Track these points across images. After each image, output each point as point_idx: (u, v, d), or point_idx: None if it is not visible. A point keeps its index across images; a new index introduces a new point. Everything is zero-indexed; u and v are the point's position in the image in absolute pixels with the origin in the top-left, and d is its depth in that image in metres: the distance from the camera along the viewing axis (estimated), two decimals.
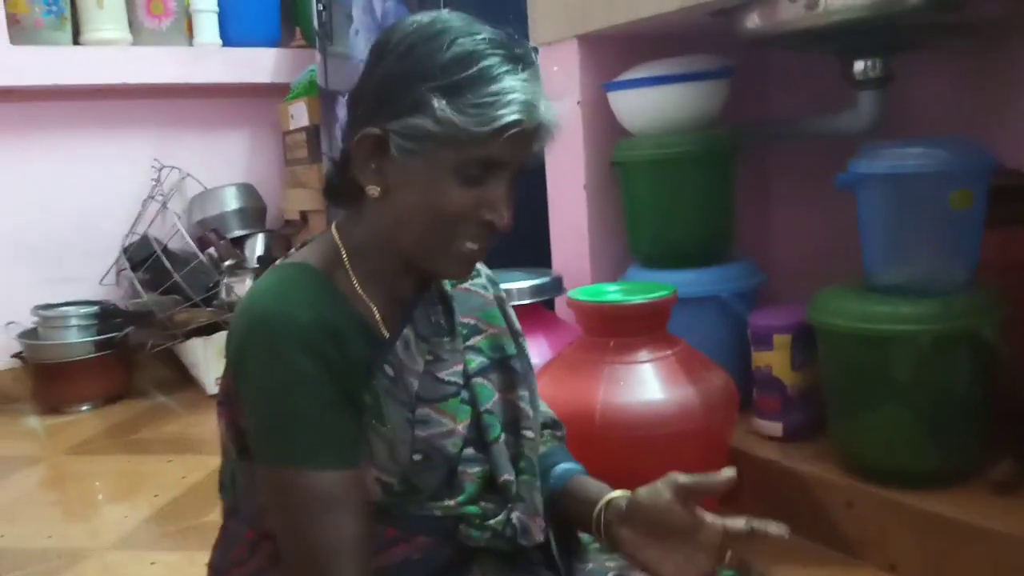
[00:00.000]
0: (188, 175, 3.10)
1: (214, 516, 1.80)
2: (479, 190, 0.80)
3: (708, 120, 1.87)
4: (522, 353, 0.97)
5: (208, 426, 2.59)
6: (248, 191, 3.18)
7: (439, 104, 0.76)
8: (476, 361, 0.92)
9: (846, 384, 1.50)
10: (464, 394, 0.90)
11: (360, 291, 0.85)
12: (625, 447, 1.40)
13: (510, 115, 0.76)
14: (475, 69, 0.77)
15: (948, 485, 1.41)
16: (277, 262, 0.90)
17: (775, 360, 1.65)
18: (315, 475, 0.77)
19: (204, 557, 0.95)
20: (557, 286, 1.93)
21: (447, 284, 0.94)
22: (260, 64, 3.15)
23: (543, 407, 1.02)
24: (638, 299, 1.49)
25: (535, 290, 1.85)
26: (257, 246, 3.03)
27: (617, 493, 0.91)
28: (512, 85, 0.77)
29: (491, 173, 0.80)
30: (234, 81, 3.09)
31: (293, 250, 0.92)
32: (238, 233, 3.07)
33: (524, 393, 0.96)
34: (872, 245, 1.49)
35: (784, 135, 2.01)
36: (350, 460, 0.80)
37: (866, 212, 1.48)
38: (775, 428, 1.67)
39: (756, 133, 1.98)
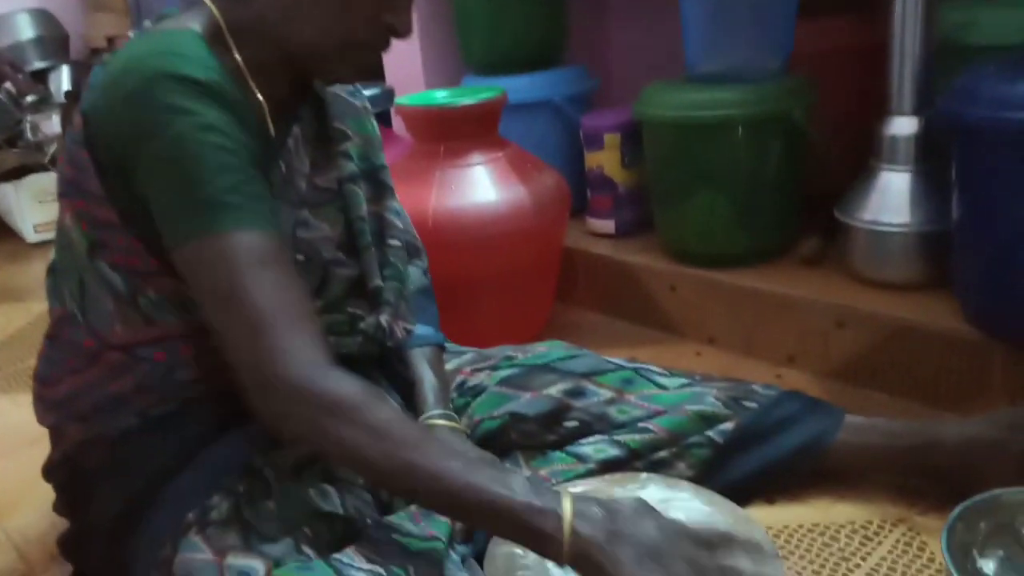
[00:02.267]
0: None
1: None
2: None
3: None
4: (385, 166, 0.96)
5: (30, 274, 2.42)
6: (44, 17, 2.85)
7: None
8: (347, 168, 0.91)
9: (668, 174, 1.55)
10: (338, 201, 0.89)
11: (248, 79, 0.77)
12: (459, 248, 1.41)
13: None
14: None
15: (761, 263, 1.50)
16: (149, 25, 0.80)
17: (606, 160, 1.68)
18: (246, 234, 0.70)
19: (29, 399, 0.91)
20: (389, 98, 1.87)
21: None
22: None
23: (410, 232, 1.02)
24: (466, 101, 1.47)
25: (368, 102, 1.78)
26: (62, 79, 2.75)
27: (437, 422, 0.93)
28: None
29: None
30: None
31: (147, 23, 0.81)
32: (38, 65, 2.77)
33: (391, 203, 0.96)
34: (693, 37, 1.51)
35: None
36: (276, 225, 0.74)
37: (687, 5, 1.49)
38: (608, 226, 1.72)
39: None
